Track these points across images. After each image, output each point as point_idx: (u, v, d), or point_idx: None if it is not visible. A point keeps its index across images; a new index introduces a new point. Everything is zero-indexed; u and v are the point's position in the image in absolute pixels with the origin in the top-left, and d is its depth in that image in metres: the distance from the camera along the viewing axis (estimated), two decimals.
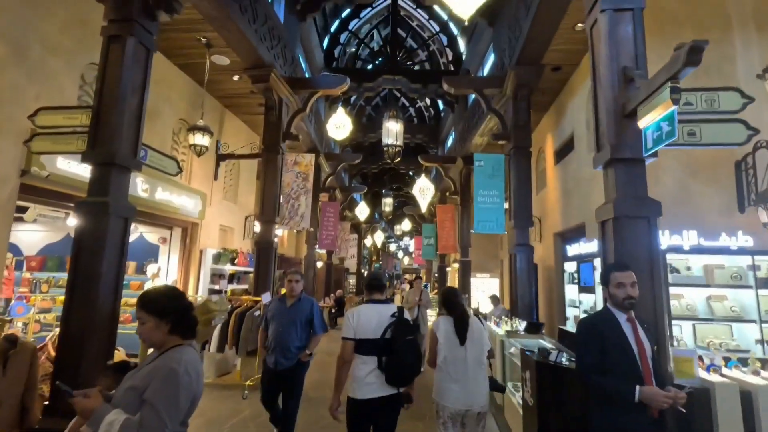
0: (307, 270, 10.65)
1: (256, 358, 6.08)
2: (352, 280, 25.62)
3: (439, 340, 2.79)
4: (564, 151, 7.02)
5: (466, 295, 10.26)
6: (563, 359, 3.25)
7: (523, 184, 6.59)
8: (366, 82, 11.63)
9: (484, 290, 15.35)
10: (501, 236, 15.91)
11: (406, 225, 20.88)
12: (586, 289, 5.07)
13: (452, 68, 11.91)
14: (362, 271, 26.06)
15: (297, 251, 16.36)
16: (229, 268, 7.93)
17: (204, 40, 5.86)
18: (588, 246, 4.96)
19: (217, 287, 7.07)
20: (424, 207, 11.21)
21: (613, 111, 3.01)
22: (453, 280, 17.53)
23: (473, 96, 10.59)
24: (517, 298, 6.33)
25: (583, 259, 5.20)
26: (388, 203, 17.28)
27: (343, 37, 12.07)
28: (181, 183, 6.65)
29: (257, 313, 6.18)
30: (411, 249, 38.01)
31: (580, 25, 5.44)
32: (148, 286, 6.66)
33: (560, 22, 5.31)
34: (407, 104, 16.98)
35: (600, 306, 4.61)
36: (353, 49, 13.32)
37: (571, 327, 5.66)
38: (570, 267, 5.85)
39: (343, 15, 11.95)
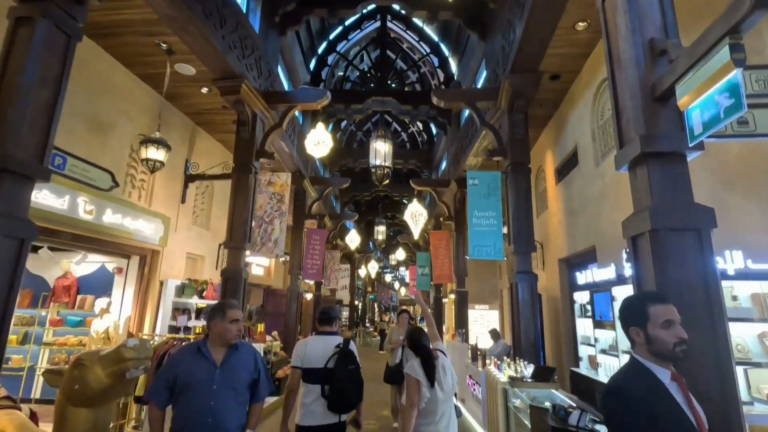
0: (289, 303, 9.76)
1: None
2: (345, 313, 24.51)
3: (420, 382, 2.64)
4: (567, 167, 6.37)
5: (463, 330, 9.36)
6: (586, 423, 2.43)
7: (523, 204, 5.89)
8: (354, 103, 11.16)
9: (482, 323, 14.39)
10: (500, 264, 15.10)
11: (400, 254, 20.03)
12: (603, 324, 4.27)
13: (444, 89, 11.48)
14: (356, 303, 24.97)
15: (285, 283, 15.44)
16: (196, 302, 7.06)
17: (165, 45, 5.28)
18: (603, 273, 4.20)
19: (184, 325, 6.20)
20: (416, 233, 10.50)
21: (640, 95, 2.34)
22: (450, 313, 16.55)
23: (466, 115, 10.10)
24: (520, 334, 5.49)
25: (596, 288, 4.42)
26: (381, 231, 16.54)
27: (330, 59, 11.69)
28: (137, 205, 5.91)
29: None
30: (407, 279, 36.99)
31: (581, 24, 4.91)
32: (97, 323, 5.79)
33: (558, 21, 4.76)
34: (399, 129, 16.56)
35: (622, 345, 3.79)
36: (341, 73, 12.97)
37: (585, 370, 4.81)
38: (581, 297, 5.06)
39: (331, 37, 11.62)
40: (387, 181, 8.78)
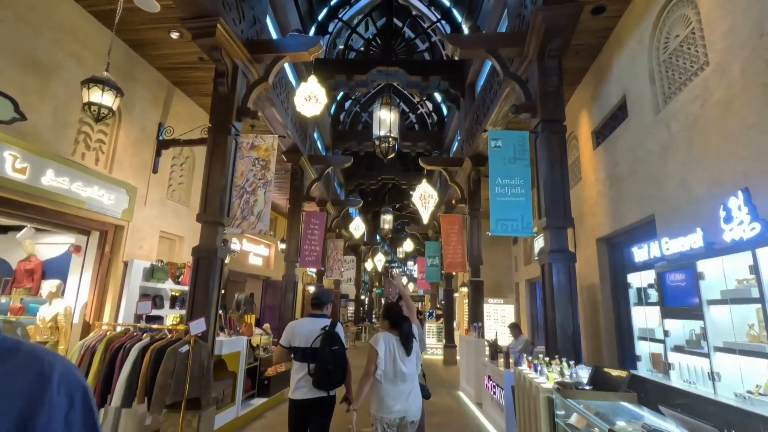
0: (285, 293, 8.78)
1: (180, 414, 4.20)
2: (350, 308, 23.54)
3: (379, 355, 2.80)
4: (609, 126, 5.28)
5: (479, 324, 8.30)
6: None
7: (557, 169, 4.83)
8: (358, 74, 10.12)
9: (496, 318, 13.28)
10: (515, 254, 13.99)
11: (408, 245, 18.98)
12: (678, 311, 3.19)
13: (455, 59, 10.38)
14: (362, 297, 24.00)
15: None
16: (171, 288, 6.11)
17: None
18: (679, 243, 3.11)
19: (146, 312, 5.20)
20: (426, 217, 9.46)
21: None
22: (461, 307, 15.46)
23: (482, 82, 9.00)
24: (555, 327, 4.44)
25: (668, 266, 3.32)
26: (387, 220, 15.50)
27: (331, 27, 10.66)
28: (92, 169, 4.95)
29: (184, 349, 4.33)
30: (416, 274, 35.92)
31: None
32: (44, 310, 4.85)
33: None
34: (407, 110, 15.47)
35: (715, 338, 2.72)
36: (342, 47, 11.92)
37: (647, 372, 3.73)
38: (639, 280, 3.97)
39: (332, 2, 10.58)
40: (392, 155, 7.73)
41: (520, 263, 13.38)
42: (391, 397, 2.76)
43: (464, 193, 9.60)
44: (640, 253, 3.76)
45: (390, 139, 7.55)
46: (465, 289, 15.30)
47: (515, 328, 7.50)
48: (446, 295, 13.07)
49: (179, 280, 6.15)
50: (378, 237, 24.09)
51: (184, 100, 6.59)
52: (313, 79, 5.75)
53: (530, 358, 3.80)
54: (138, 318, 4.99)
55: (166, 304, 5.96)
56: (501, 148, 5.09)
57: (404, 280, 38.36)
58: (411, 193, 21.15)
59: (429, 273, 13.57)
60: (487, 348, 6.92)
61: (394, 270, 34.06)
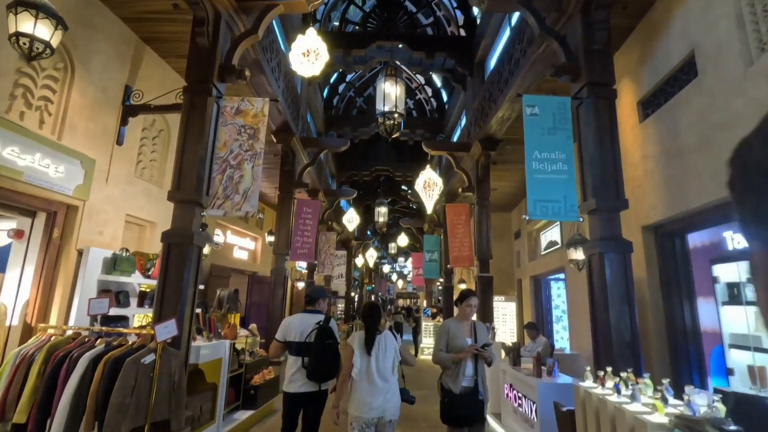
0: (274, 289, 7.84)
1: None
2: (340, 305, 22.62)
3: (355, 353, 2.93)
4: (664, 93, 4.49)
5: (491, 324, 7.50)
6: None
7: (607, 140, 4.04)
8: (356, 49, 9.20)
9: (497, 316, 12.53)
10: (518, 249, 13.24)
11: (402, 240, 18.15)
12: None
13: (463, 33, 9.54)
14: (352, 294, 23.10)
15: None
16: (139, 282, 5.14)
17: None
18: None
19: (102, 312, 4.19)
20: (430, 207, 8.63)
21: None
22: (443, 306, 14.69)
23: (496, 57, 8.18)
24: (609, 331, 3.64)
25: None
26: (382, 213, 14.62)
27: None
28: (34, 132, 3.95)
29: (149, 359, 3.40)
30: (406, 271, 35.14)
31: None
32: None
33: None
34: (405, 96, 14.57)
35: None
36: (337, 22, 10.98)
37: (745, 388, 2.95)
38: (729, 273, 3.17)
39: None
40: (397, 134, 6.87)
41: (523, 259, 12.65)
42: (367, 395, 2.86)
43: (471, 180, 8.77)
44: (731, 240, 2.96)
45: (395, 115, 6.67)
46: (463, 286, 14.54)
47: (533, 329, 6.73)
48: (446, 291, 12.28)
49: (149, 273, 5.18)
50: (369, 232, 23.20)
51: (156, 62, 5.60)
52: (312, 32, 4.83)
53: (599, 373, 2.97)
54: (93, 320, 4.02)
55: (133, 302, 4.99)
56: (538, 117, 4.26)
57: (394, 277, 37.63)
58: (403, 188, 20.34)
59: (427, 268, 12.77)
60: (503, 352, 6.13)
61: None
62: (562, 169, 4.13)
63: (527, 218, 4.02)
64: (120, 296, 4.75)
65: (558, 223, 9.87)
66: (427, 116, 13.82)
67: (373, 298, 32.54)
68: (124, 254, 4.75)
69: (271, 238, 11.24)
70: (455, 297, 7.59)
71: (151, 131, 5.66)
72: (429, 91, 13.88)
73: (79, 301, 4.29)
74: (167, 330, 3.43)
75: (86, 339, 3.61)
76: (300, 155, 8.81)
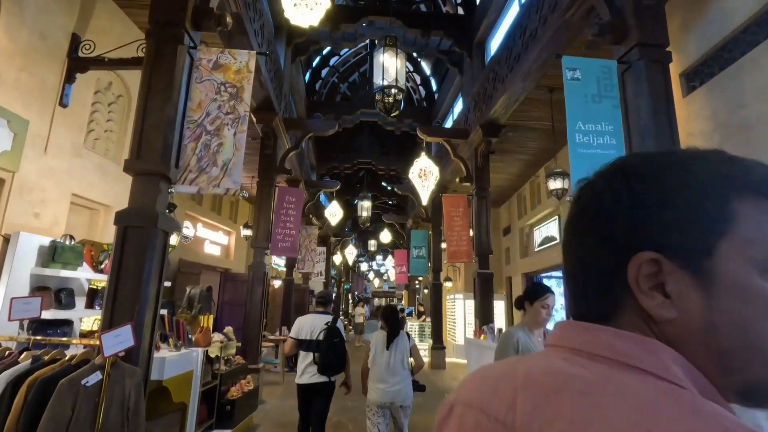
0: (252, 287, 6.93)
1: None
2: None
3: (373, 347, 3.53)
4: (719, 60, 3.92)
5: (493, 324, 6.87)
6: None
7: (662, 111, 3.42)
8: (345, 23, 8.38)
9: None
10: (507, 246, 12.72)
11: (385, 236, 17.42)
12: None
13: (461, 12, 8.89)
14: (330, 293, 22.16)
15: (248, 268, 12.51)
16: (88, 278, 4.17)
17: None
18: None
19: (31, 316, 3.19)
20: (425, 199, 7.93)
21: None
22: (444, 304, 14.07)
23: (500, 39, 7.55)
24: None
25: None
26: (366, 207, 13.82)
27: None
28: None
29: (92, 379, 2.51)
30: (384, 270, 34.41)
31: None
32: None
33: None
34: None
35: None
36: None
37: None
38: None
39: None
40: (397, 112, 6.11)
41: (514, 255, 12.17)
42: (382, 383, 3.36)
43: (470, 169, 8.13)
44: None
45: (395, 90, 5.92)
46: (449, 284, 13.95)
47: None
48: (434, 289, 11.63)
49: (102, 267, 4.22)
50: (347, 228, 22.36)
51: (113, 12, 4.61)
52: None
53: None
54: (22, 326, 3.07)
55: (80, 302, 4.02)
56: (580, 82, 3.61)
57: (371, 275, 36.86)
58: (384, 183, 19.59)
59: (414, 265, 12.08)
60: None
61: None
62: (610, 143, 3.50)
63: (571, 199, 3.36)
64: (62, 295, 3.78)
65: (556, 217, 9.38)
66: (415, 105, 13.12)
67: (349, 296, 31.70)
68: (67, 242, 3.78)
69: (247, 232, 10.26)
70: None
71: (106, 96, 4.68)
72: (418, 79, 13.20)
73: (3, 300, 3.31)
74: (119, 339, 2.55)
75: (6, 352, 2.68)
76: (282, 138, 7.91)
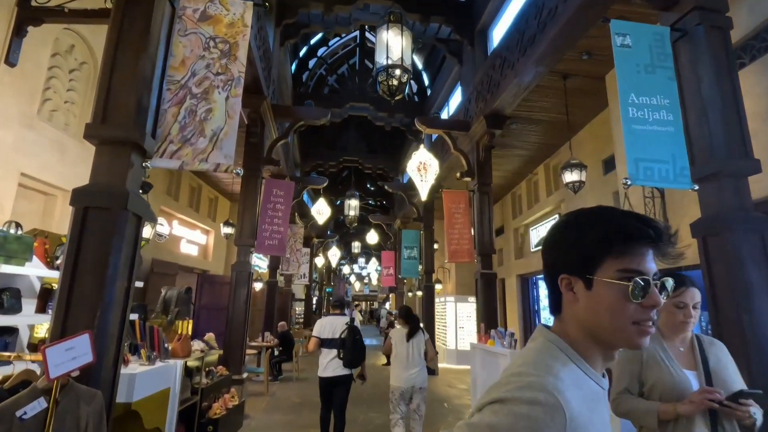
0: (235, 289, 6.21)
1: None
2: (298, 308, 20.82)
3: (394, 342, 4.26)
4: None
5: (504, 329, 6.37)
6: None
7: (726, 82, 3.03)
8: (339, 4, 7.80)
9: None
10: (501, 246, 12.24)
11: (372, 237, 16.82)
12: None
13: None
14: (312, 296, 21.40)
15: (229, 266, 11.68)
16: (41, 276, 3.44)
17: None
18: None
19: None
20: (424, 194, 7.40)
21: None
22: (420, 307, 13.55)
23: (506, 25, 7.09)
24: (744, 332, 2.56)
25: None
26: (353, 206, 13.18)
27: None
28: None
29: (32, 409, 1.83)
30: (365, 273, 33.70)
31: None
32: None
33: None
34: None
35: None
36: None
37: None
38: None
39: None
40: (400, 96, 5.56)
41: (508, 257, 11.78)
42: (403, 371, 4.09)
43: (470, 163, 7.65)
44: None
45: (400, 70, 5.39)
46: (439, 287, 13.43)
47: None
48: (427, 292, 11.09)
49: (58, 263, 3.48)
50: (329, 231, 21.61)
51: None
52: None
53: None
54: None
55: (28, 306, 3.26)
56: (631, 50, 3.14)
57: (352, 278, 36.10)
58: (369, 185, 19.00)
59: (405, 267, 11.52)
60: None
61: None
62: (667, 120, 3.04)
63: (628, 183, 2.87)
64: (4, 296, 3.04)
65: (556, 216, 9.02)
66: (406, 99, 12.62)
67: (331, 300, 30.86)
68: (11, 231, 3.05)
69: (228, 230, 9.50)
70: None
71: (67, 60, 3.95)
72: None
73: None
74: (72, 354, 1.90)
75: None
76: (270, 126, 7.25)
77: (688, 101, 3.09)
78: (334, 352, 4.08)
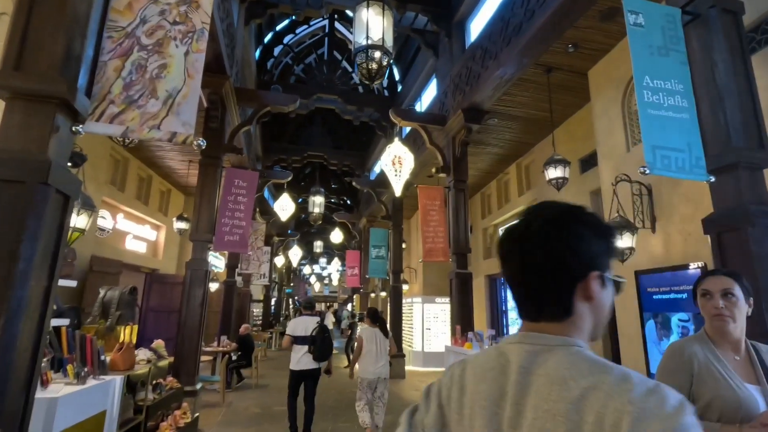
0: (189, 290, 5.53)
1: None
2: (256, 310, 19.82)
3: (365, 340, 4.85)
4: None
5: (494, 332, 6.10)
6: None
7: (740, 67, 2.85)
8: None
9: (445, 320, 11.32)
10: (471, 245, 12.06)
11: (336, 236, 16.27)
12: None
13: None
14: (271, 297, 20.48)
15: (181, 265, 10.75)
16: None
17: None
18: None
19: None
20: (399, 189, 7.01)
21: None
22: (387, 309, 13.23)
23: (487, 16, 6.86)
24: None
25: None
26: (318, 203, 12.63)
27: None
28: None
29: None
30: (325, 273, 32.97)
31: None
32: None
33: None
34: (350, 69, 12.83)
35: None
36: None
37: None
38: None
39: None
40: (380, 80, 5.15)
41: (476, 256, 11.65)
42: (371, 365, 4.74)
43: (446, 159, 7.35)
44: None
45: (380, 52, 5.01)
46: (406, 287, 13.13)
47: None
48: (394, 292, 10.72)
49: None
50: (290, 230, 20.79)
51: None
52: None
53: None
54: None
55: None
56: (644, 29, 2.89)
57: (312, 279, 35.22)
58: (332, 183, 18.43)
59: (373, 266, 11.10)
60: None
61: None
62: (682, 106, 2.81)
63: (646, 171, 2.61)
64: None
65: None
66: (375, 94, 12.21)
67: (290, 301, 29.91)
68: None
69: (182, 225, 8.69)
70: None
71: None
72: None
73: None
74: None
75: None
76: (232, 110, 6.60)
77: (701, 88, 2.88)
78: (306, 347, 4.64)
